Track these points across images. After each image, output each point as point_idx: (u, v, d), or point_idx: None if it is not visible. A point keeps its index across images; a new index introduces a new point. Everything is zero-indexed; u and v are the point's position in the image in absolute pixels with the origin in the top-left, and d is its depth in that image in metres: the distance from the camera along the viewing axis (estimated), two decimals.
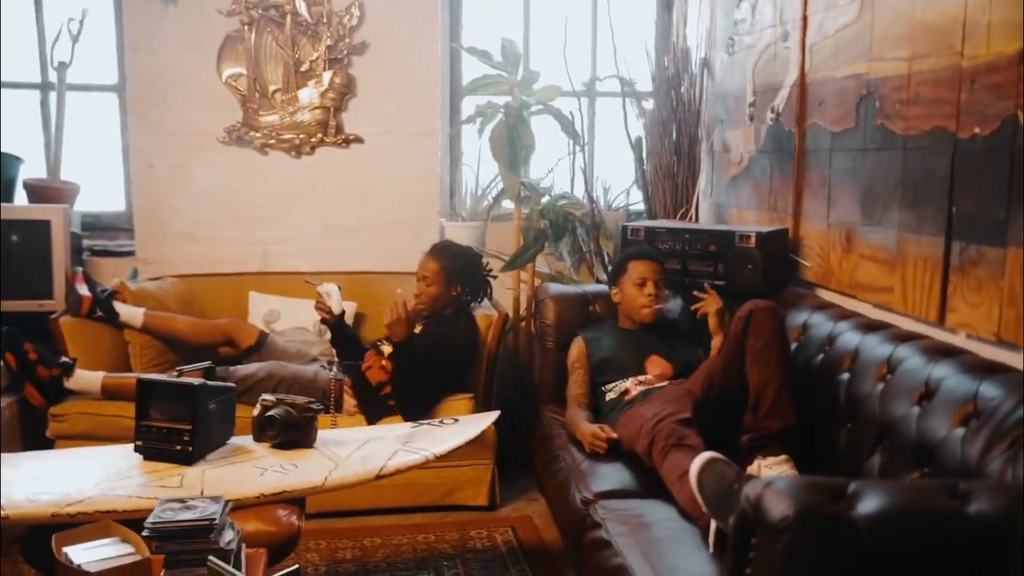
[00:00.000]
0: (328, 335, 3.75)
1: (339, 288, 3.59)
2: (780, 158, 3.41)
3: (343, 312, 3.64)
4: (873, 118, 2.76)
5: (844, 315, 2.80)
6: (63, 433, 3.44)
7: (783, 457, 2.50)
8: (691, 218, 4.15)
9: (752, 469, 2.50)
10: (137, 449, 2.44)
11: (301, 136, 4.32)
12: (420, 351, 3.41)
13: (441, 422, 2.90)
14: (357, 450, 2.54)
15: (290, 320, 4.09)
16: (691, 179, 4.15)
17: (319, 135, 4.33)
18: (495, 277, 3.75)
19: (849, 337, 2.64)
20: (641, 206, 4.40)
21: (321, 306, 3.57)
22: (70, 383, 3.44)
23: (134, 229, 4.33)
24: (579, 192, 4.26)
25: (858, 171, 2.87)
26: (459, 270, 3.59)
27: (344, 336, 3.67)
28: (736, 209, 3.84)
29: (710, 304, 3.19)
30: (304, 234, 4.38)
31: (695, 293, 3.24)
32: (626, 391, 3.13)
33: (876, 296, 2.76)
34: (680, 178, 4.14)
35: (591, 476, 2.78)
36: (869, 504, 1.41)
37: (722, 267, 3.33)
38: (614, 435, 2.90)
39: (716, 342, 3.16)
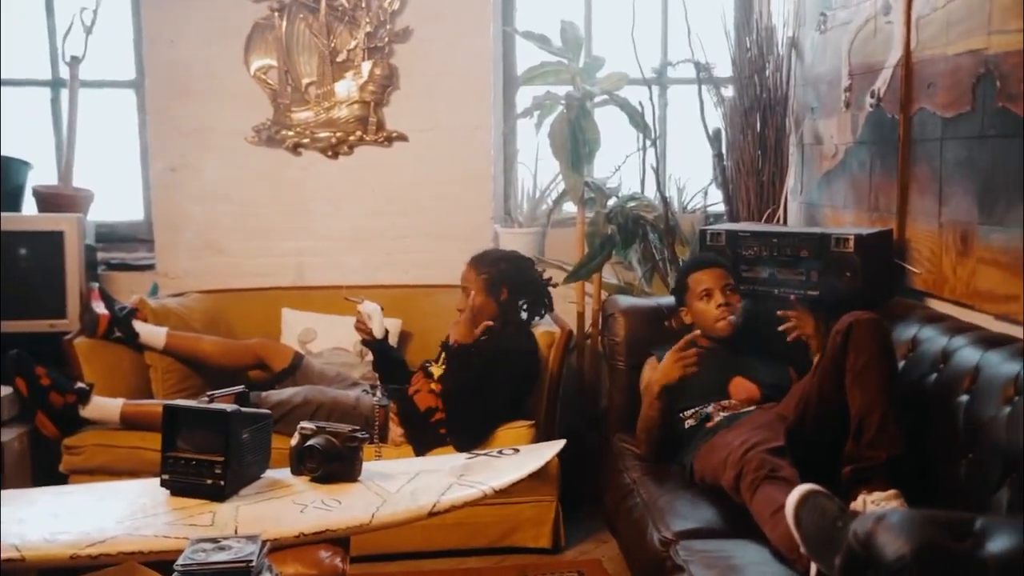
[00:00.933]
0: (370, 357, 3.78)
1: (381, 309, 3.64)
2: (882, 149, 3.38)
3: (387, 334, 3.68)
4: (993, 100, 2.72)
5: (960, 328, 2.77)
6: (79, 467, 3.49)
7: (892, 492, 2.46)
8: (779, 220, 4.12)
9: (856, 506, 2.45)
10: (163, 483, 2.45)
11: (338, 134, 4.38)
12: (474, 370, 3.44)
13: (500, 452, 2.88)
14: (407, 484, 2.53)
15: (328, 340, 4.14)
16: (778, 176, 4.12)
17: (358, 133, 4.38)
18: (554, 285, 3.78)
19: (967, 353, 2.59)
20: (721, 207, 4.39)
21: (361, 326, 3.62)
22: (86, 411, 3.49)
23: (154, 240, 4.41)
24: (650, 193, 4.25)
25: (975, 162, 2.83)
26: (502, 275, 3.62)
27: (388, 359, 3.71)
28: (831, 209, 3.83)
29: (804, 324, 3.16)
30: (342, 244, 4.44)
31: (780, 313, 3.21)
32: (708, 417, 3.13)
33: (998, 306, 2.72)
34: (765, 175, 4.11)
35: (670, 513, 2.77)
36: (1000, 543, 1.38)
37: (815, 275, 3.32)
38: (697, 332, 3.03)
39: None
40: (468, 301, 3.60)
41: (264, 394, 3.53)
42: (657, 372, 3.10)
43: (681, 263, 4.05)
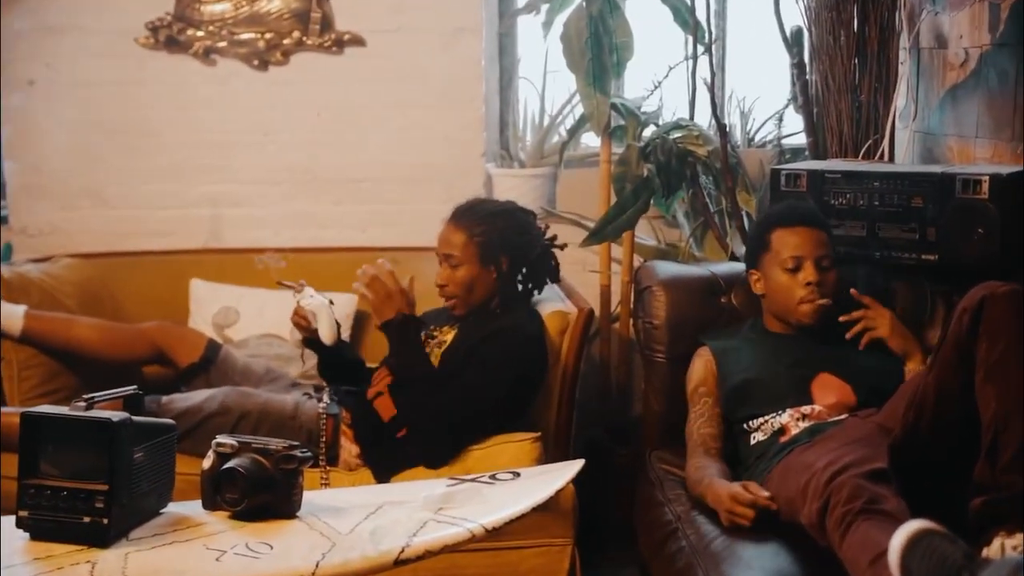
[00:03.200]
0: (313, 358, 3.81)
1: (331, 303, 3.59)
2: None
3: (339, 333, 3.65)
4: None
5: None
6: None
7: None
8: (881, 156, 4.08)
9: (991, 551, 2.41)
10: (19, 523, 2.41)
11: (268, 35, 4.41)
12: (453, 364, 3.48)
13: (493, 477, 2.84)
14: (365, 521, 2.50)
15: (254, 323, 4.18)
16: (882, 94, 4.10)
17: (295, 34, 4.42)
18: (562, 247, 3.77)
19: None
20: (801, 139, 4.38)
21: (301, 321, 3.60)
22: None
23: (4, 183, 4.42)
24: (702, 119, 4.25)
25: None
26: (500, 236, 3.61)
27: (339, 362, 3.75)
28: (957, 140, 3.82)
29: (879, 325, 3.21)
30: (274, 190, 4.49)
31: (842, 318, 3.21)
32: (782, 429, 3.15)
33: None
34: (864, 93, 4.10)
35: (729, 561, 2.77)
36: None
37: (933, 232, 3.33)
38: (764, 496, 2.91)
39: (912, 367, 3.20)
40: (452, 274, 3.60)
41: (166, 399, 3.54)
42: (710, 488, 3.04)
43: (747, 218, 4.15)
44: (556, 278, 3.76)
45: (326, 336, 3.57)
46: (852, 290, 3.27)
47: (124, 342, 3.91)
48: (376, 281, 3.45)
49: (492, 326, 3.55)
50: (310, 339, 3.63)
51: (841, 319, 3.24)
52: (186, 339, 3.91)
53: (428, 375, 3.46)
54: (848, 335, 3.25)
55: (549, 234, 3.75)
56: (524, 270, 3.68)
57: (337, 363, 3.72)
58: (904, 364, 3.24)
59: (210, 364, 3.84)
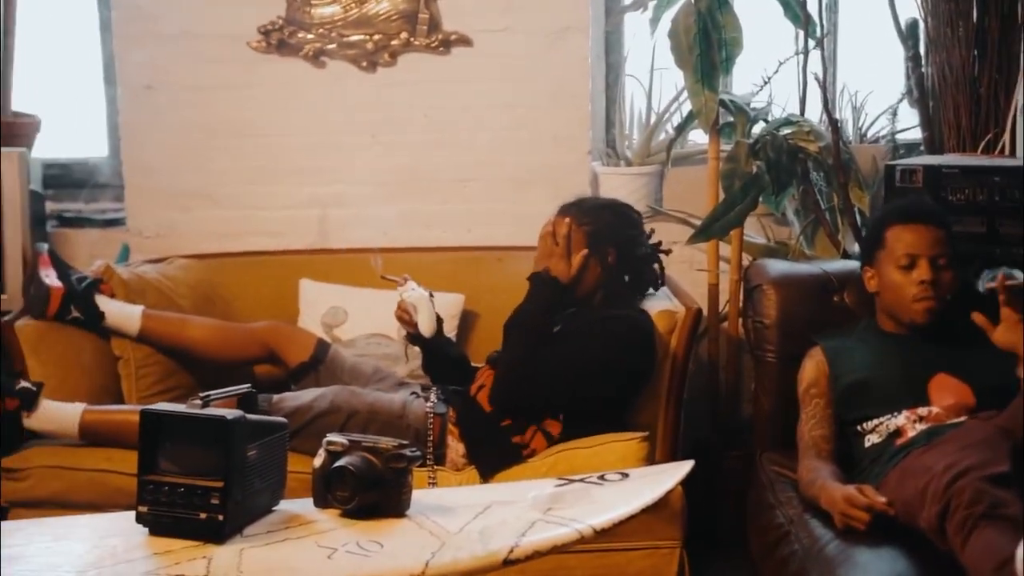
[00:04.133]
0: (419, 356, 3.82)
1: (431, 295, 3.61)
2: None
3: (440, 326, 3.67)
4: None
5: None
6: (23, 498, 3.53)
7: None
8: (1003, 150, 4.05)
9: None
10: (139, 518, 2.44)
11: (376, 37, 4.41)
12: (551, 361, 3.46)
13: (602, 478, 2.83)
14: (473, 520, 2.49)
15: (362, 323, 4.17)
16: (1003, 87, 4.06)
17: (403, 34, 4.42)
18: (667, 252, 3.77)
19: None
20: (917, 134, 4.36)
21: (404, 315, 3.62)
22: (32, 420, 3.52)
23: (123, 186, 4.47)
24: (814, 115, 4.21)
25: None
26: (609, 229, 3.64)
27: (442, 357, 3.75)
28: None
29: (1012, 337, 3.00)
30: (381, 190, 4.47)
31: (974, 317, 3.05)
32: (898, 431, 3.13)
33: None
34: (984, 85, 4.05)
35: (844, 565, 2.74)
36: None
37: None
38: (881, 500, 2.88)
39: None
40: (560, 266, 3.60)
41: (277, 397, 3.55)
42: (824, 491, 3.02)
43: (860, 215, 4.08)
44: (658, 285, 3.76)
45: (425, 327, 3.58)
46: (989, 284, 3.10)
47: (236, 342, 3.93)
48: (550, 236, 3.56)
49: (597, 322, 3.54)
50: (413, 335, 3.63)
51: (974, 318, 3.08)
52: (295, 339, 3.92)
53: (539, 329, 3.50)
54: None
55: (656, 237, 3.75)
56: (629, 268, 3.68)
57: (441, 360, 3.72)
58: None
59: (319, 364, 3.84)
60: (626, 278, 3.68)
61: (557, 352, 3.46)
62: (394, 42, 4.44)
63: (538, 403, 3.48)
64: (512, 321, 3.53)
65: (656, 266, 3.75)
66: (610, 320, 3.53)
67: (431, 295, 3.59)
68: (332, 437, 2.59)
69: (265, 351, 3.93)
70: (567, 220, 3.61)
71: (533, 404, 3.48)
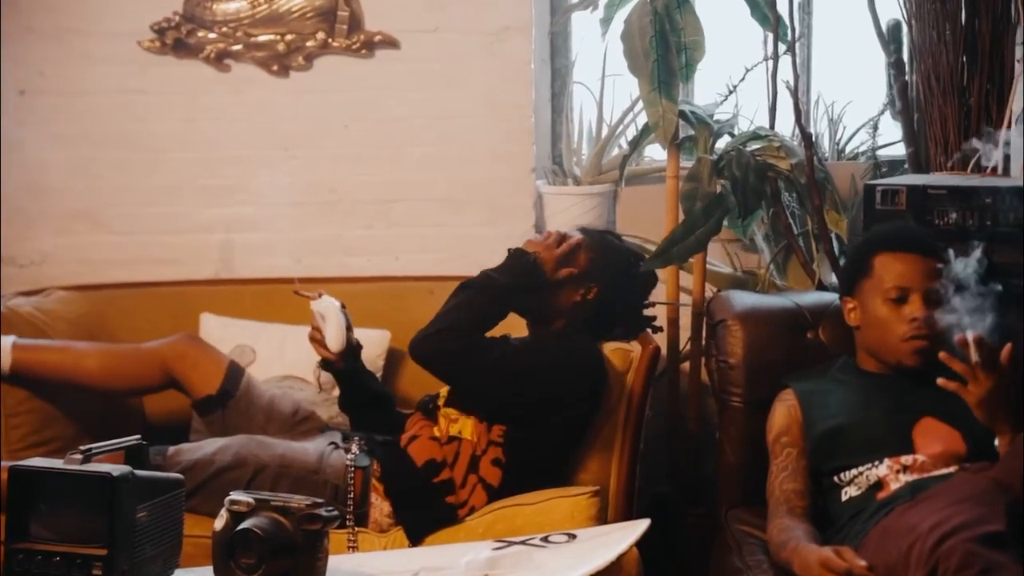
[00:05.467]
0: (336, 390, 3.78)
1: (343, 307, 3.55)
2: None
3: (354, 347, 3.61)
4: None
5: None
6: None
7: None
8: (995, 169, 3.89)
9: None
10: None
11: (288, 37, 4.33)
12: (489, 352, 3.43)
13: (545, 539, 2.81)
14: None
15: (273, 364, 4.05)
16: (995, 96, 4.00)
17: (320, 35, 4.32)
18: (659, 329, 3.78)
19: None
20: (900, 150, 4.33)
21: (317, 334, 3.55)
22: None
23: None
24: (785, 128, 4.18)
25: None
26: (609, 271, 3.62)
27: (361, 388, 3.66)
28: None
29: (970, 395, 2.91)
30: (295, 212, 4.41)
31: (940, 382, 2.96)
32: (880, 483, 3.04)
33: None
34: (974, 95, 4.01)
35: None
36: None
37: None
38: (861, 564, 2.76)
39: (1001, 444, 2.99)
40: (549, 251, 3.57)
41: (172, 449, 3.47)
42: (798, 553, 2.91)
43: (837, 241, 4.03)
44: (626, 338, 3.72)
45: (332, 340, 3.52)
46: (942, 354, 2.99)
47: (129, 367, 3.76)
48: (557, 237, 3.56)
49: (543, 350, 3.54)
50: (328, 361, 3.58)
51: (939, 382, 2.99)
52: (201, 365, 3.74)
53: (496, 301, 3.47)
54: (939, 382, 2.99)
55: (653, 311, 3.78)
56: (605, 313, 3.65)
57: (359, 393, 3.66)
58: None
59: (228, 398, 3.70)
60: (595, 321, 3.65)
61: (497, 348, 3.45)
62: (309, 43, 4.35)
63: (455, 374, 3.46)
64: (468, 281, 3.51)
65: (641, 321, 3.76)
66: (562, 337, 3.55)
67: (343, 306, 3.55)
68: (236, 495, 2.50)
69: (165, 377, 3.76)
70: (580, 238, 3.63)
71: (450, 371, 3.45)
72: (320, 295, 3.55)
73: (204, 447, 3.46)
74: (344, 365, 3.57)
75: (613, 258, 3.67)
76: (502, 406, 3.43)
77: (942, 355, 2.96)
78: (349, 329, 3.57)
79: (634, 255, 3.78)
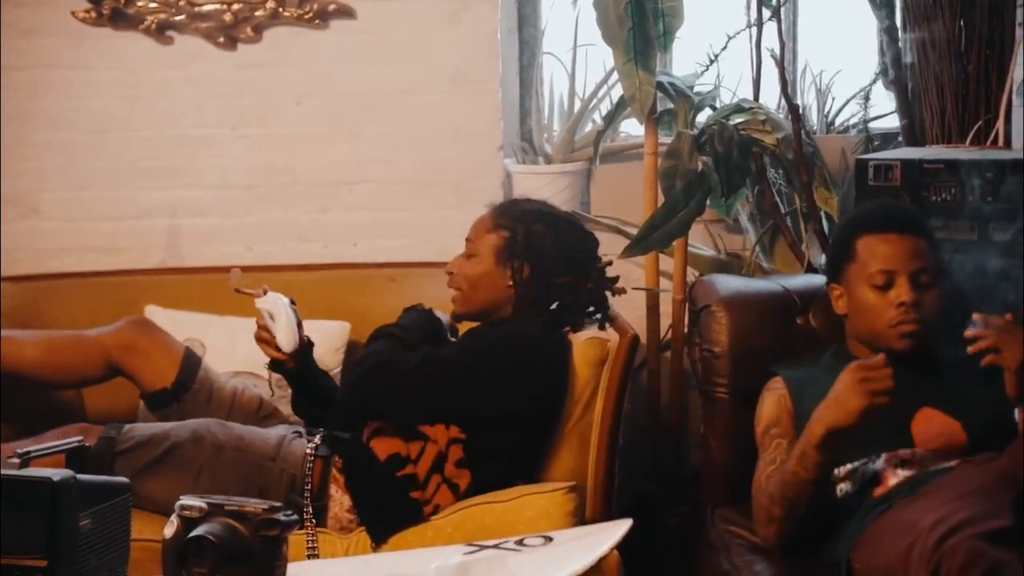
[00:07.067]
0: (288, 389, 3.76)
1: (293, 303, 3.53)
2: None
3: (306, 346, 3.58)
4: None
5: None
6: None
7: None
8: (995, 140, 3.97)
9: None
10: None
11: (235, 6, 4.34)
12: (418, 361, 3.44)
13: (520, 543, 2.73)
14: None
15: (225, 358, 4.02)
16: (994, 64, 4.01)
17: (270, 4, 4.34)
18: (620, 291, 3.69)
19: None
20: (894, 121, 4.36)
21: (265, 335, 3.53)
22: None
23: None
24: (770, 100, 4.26)
25: None
26: (530, 241, 3.57)
27: (314, 390, 3.65)
28: None
29: (1008, 350, 2.91)
30: (246, 195, 4.42)
31: (969, 333, 3.00)
32: (877, 478, 3.04)
33: None
34: (973, 62, 4.00)
35: None
36: None
37: None
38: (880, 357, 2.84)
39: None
40: (463, 263, 3.58)
41: (128, 427, 3.45)
42: (823, 406, 2.89)
43: (827, 220, 4.09)
44: (605, 313, 3.67)
45: (284, 339, 3.51)
46: (976, 315, 3.02)
47: (72, 357, 3.71)
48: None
49: (494, 338, 3.54)
50: (277, 361, 3.58)
51: (968, 333, 3.00)
52: (153, 353, 3.68)
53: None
54: (971, 349, 3.00)
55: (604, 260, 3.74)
56: (548, 291, 3.60)
57: (312, 392, 3.65)
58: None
59: (184, 390, 3.67)
60: (547, 301, 3.61)
61: (416, 355, 3.46)
62: (258, 12, 4.35)
63: (395, 399, 3.42)
64: (376, 332, 3.56)
65: (601, 298, 3.71)
66: (497, 326, 3.57)
67: (293, 302, 3.53)
68: (187, 500, 2.44)
69: (109, 366, 3.72)
70: (484, 219, 3.65)
71: (387, 399, 3.42)
72: (265, 291, 3.52)
73: (162, 424, 3.46)
74: (296, 365, 3.56)
75: (534, 227, 3.61)
76: (441, 409, 3.42)
77: (976, 316, 2.97)
78: (299, 326, 3.56)
79: (554, 212, 3.75)
